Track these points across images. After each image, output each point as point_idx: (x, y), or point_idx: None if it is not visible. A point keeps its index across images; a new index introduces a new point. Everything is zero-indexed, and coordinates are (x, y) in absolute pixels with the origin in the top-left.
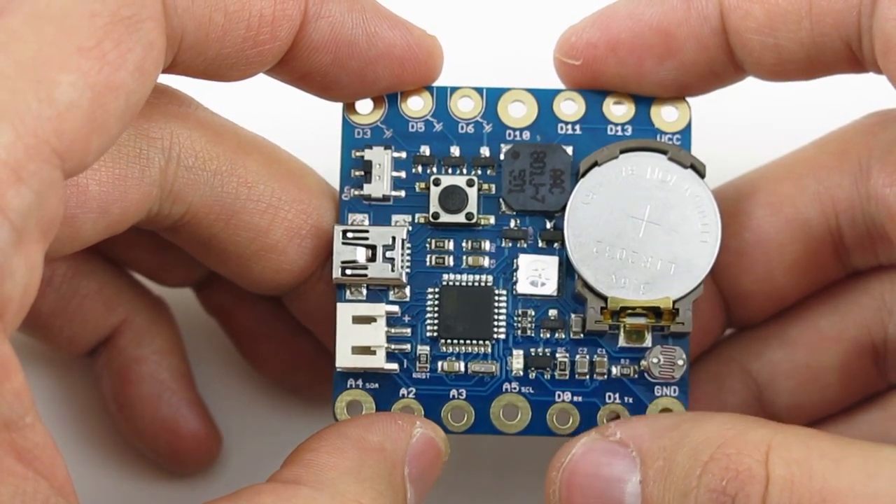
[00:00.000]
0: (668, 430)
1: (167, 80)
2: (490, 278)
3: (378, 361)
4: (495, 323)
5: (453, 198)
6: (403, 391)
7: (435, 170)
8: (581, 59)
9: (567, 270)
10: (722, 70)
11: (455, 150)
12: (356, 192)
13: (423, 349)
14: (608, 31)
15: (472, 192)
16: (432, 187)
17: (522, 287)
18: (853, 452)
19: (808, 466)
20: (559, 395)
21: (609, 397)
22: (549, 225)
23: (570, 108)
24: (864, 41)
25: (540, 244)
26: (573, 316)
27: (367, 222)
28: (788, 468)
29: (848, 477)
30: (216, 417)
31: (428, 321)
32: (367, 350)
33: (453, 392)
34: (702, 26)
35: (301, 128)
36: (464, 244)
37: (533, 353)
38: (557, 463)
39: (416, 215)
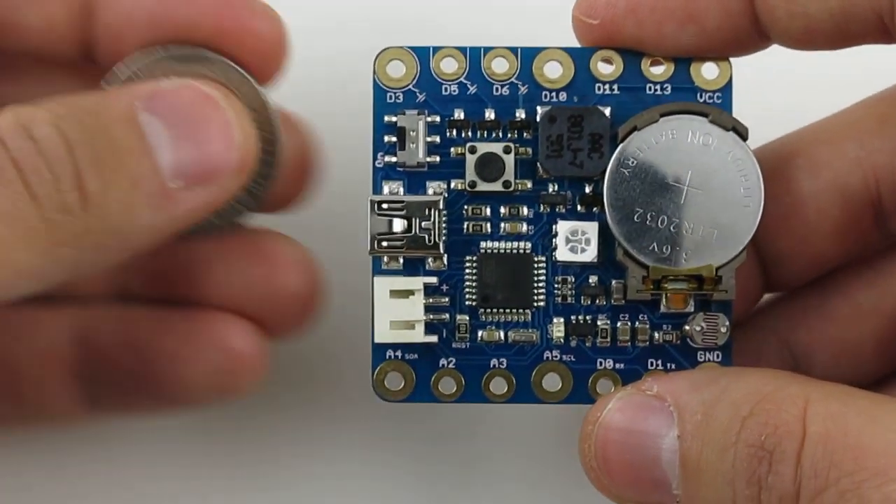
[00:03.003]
0: (706, 385)
1: None
2: (529, 245)
3: (416, 336)
4: (535, 291)
5: (490, 166)
6: (443, 361)
7: (470, 134)
8: (599, 19)
9: (607, 236)
10: (745, 37)
11: (490, 114)
12: (389, 159)
13: (463, 319)
14: None
15: (509, 160)
16: (468, 155)
17: (562, 254)
18: (890, 410)
19: (844, 423)
20: (601, 363)
21: (651, 364)
22: (588, 189)
23: (607, 67)
24: None
25: (579, 209)
26: (614, 282)
27: (401, 190)
28: (824, 424)
29: (883, 435)
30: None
31: (467, 290)
32: (405, 324)
33: (494, 362)
34: None
35: (331, 92)
36: (501, 210)
37: (574, 321)
38: (593, 417)
39: (452, 181)
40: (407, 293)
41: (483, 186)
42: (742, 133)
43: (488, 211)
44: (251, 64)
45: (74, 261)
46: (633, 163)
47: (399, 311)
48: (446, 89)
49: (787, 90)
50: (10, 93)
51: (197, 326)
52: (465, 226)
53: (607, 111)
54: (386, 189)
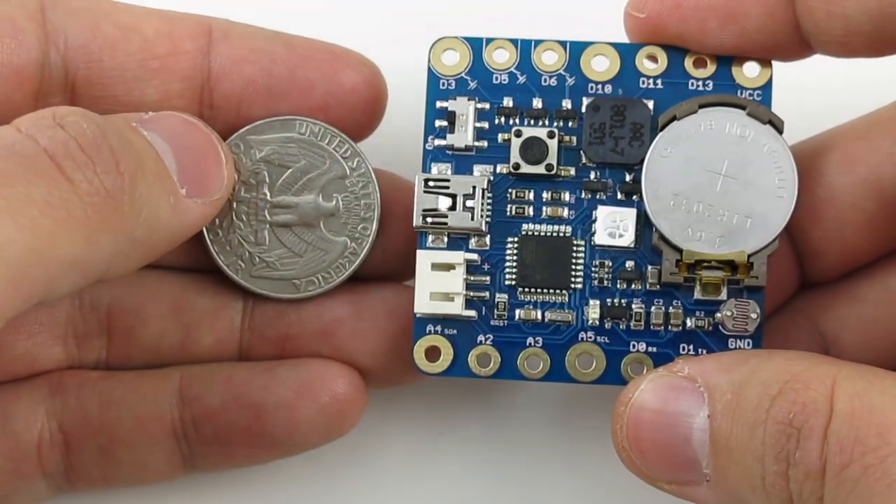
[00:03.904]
0: (736, 366)
1: None
2: (569, 229)
3: (455, 308)
4: (573, 273)
5: (534, 149)
6: (481, 338)
7: (517, 121)
8: (646, 13)
9: (645, 222)
10: (786, 41)
11: (537, 103)
12: (439, 142)
13: (502, 297)
14: None
15: (553, 144)
16: (513, 138)
17: (600, 238)
18: None
19: (869, 400)
20: (634, 346)
21: (683, 348)
22: (628, 177)
23: (651, 64)
24: None
25: (619, 196)
26: (650, 268)
27: (449, 172)
28: (850, 402)
29: None
30: None
31: (507, 270)
32: (445, 296)
33: (530, 340)
34: None
35: (386, 76)
36: (544, 195)
37: (609, 304)
38: (625, 398)
39: (498, 165)
40: (448, 266)
41: (526, 168)
42: (778, 126)
43: (531, 195)
44: (359, 113)
45: (111, 252)
46: (671, 151)
47: (439, 283)
48: (497, 78)
49: (825, 96)
50: None
51: (306, 376)
52: (509, 208)
53: (650, 104)
54: (435, 170)
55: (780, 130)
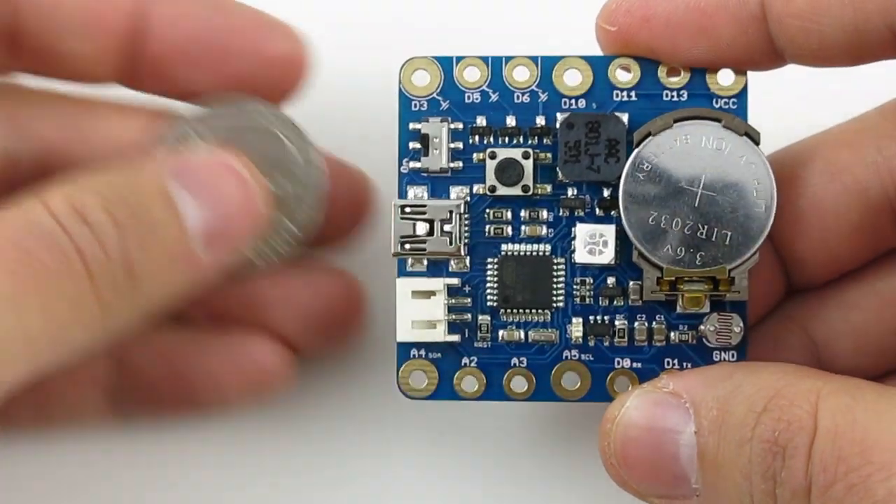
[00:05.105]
0: (720, 381)
1: None
2: (548, 247)
3: (438, 335)
4: (554, 292)
5: (509, 171)
6: (465, 360)
7: (492, 140)
8: (617, 26)
9: (624, 238)
10: (759, 54)
11: (511, 121)
12: (414, 165)
13: (484, 319)
14: (646, 2)
15: (528, 165)
16: (488, 161)
17: (580, 256)
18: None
19: (852, 417)
20: (618, 362)
21: (667, 363)
22: (606, 193)
23: (625, 75)
24: None
25: (597, 212)
26: (631, 283)
27: (425, 195)
28: (833, 419)
29: (889, 429)
30: None
31: (488, 291)
32: (427, 324)
33: (514, 360)
34: (740, 10)
35: (357, 99)
36: (522, 214)
37: (592, 321)
38: (611, 416)
39: (475, 186)
40: (428, 294)
41: (503, 191)
42: (755, 138)
43: (509, 214)
44: (282, 83)
45: (118, 330)
46: (647, 167)
47: (421, 310)
48: (469, 97)
49: (803, 97)
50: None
51: (234, 348)
52: (487, 229)
53: (625, 117)
54: (411, 194)
55: (756, 142)
